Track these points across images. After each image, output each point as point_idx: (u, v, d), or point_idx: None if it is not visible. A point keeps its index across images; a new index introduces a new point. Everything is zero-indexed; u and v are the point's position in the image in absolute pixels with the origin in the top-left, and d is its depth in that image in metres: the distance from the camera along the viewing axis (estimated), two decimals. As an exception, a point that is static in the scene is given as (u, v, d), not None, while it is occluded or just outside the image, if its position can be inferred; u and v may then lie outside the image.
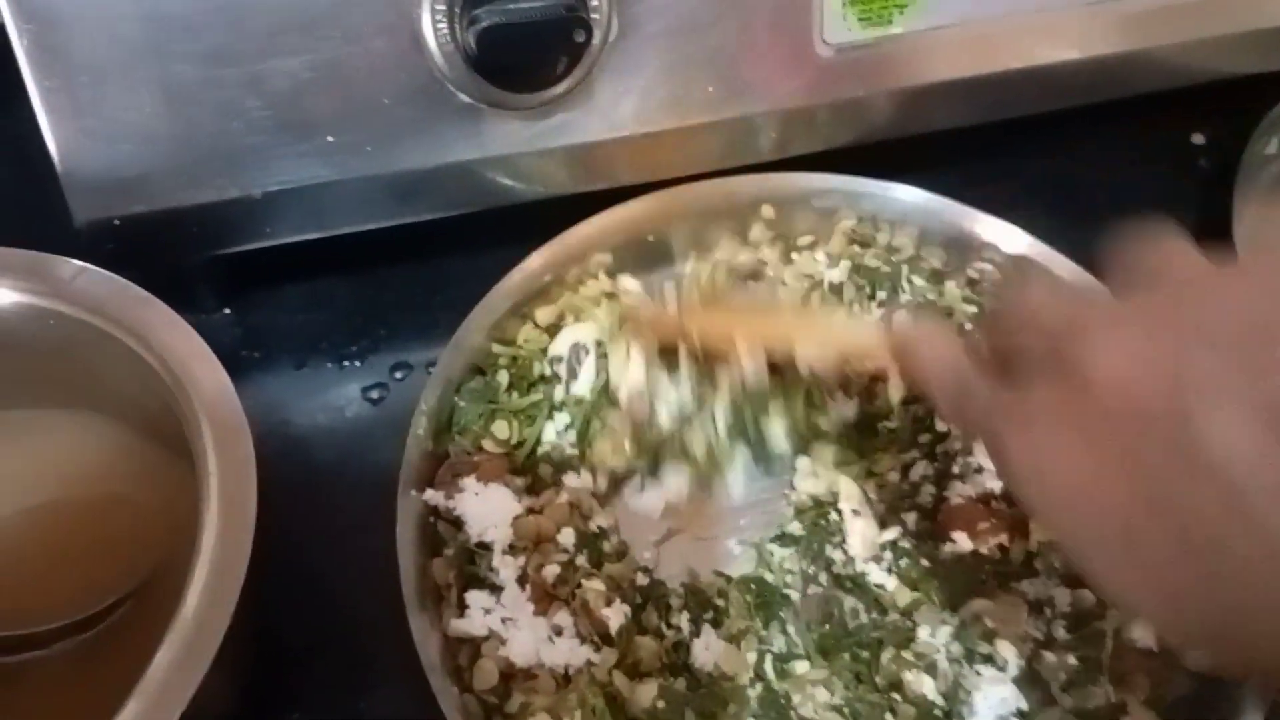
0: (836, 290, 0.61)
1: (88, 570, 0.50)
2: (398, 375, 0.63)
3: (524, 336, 0.58)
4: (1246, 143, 0.68)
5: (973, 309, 0.61)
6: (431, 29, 0.51)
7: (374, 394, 0.62)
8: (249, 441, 0.43)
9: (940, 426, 0.56)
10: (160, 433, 0.50)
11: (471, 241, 0.63)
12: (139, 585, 0.49)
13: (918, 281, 0.61)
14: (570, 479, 0.55)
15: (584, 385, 0.56)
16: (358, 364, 0.63)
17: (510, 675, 0.48)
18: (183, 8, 0.50)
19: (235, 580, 0.39)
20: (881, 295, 0.61)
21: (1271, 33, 0.66)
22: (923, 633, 0.51)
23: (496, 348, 0.57)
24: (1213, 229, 0.67)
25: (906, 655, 0.49)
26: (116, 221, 0.54)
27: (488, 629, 0.48)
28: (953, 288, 0.62)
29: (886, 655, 0.49)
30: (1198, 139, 0.75)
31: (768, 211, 0.63)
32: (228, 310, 0.65)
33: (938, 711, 0.49)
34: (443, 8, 0.50)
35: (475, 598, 0.49)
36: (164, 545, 0.49)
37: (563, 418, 0.56)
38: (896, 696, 0.49)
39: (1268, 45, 0.67)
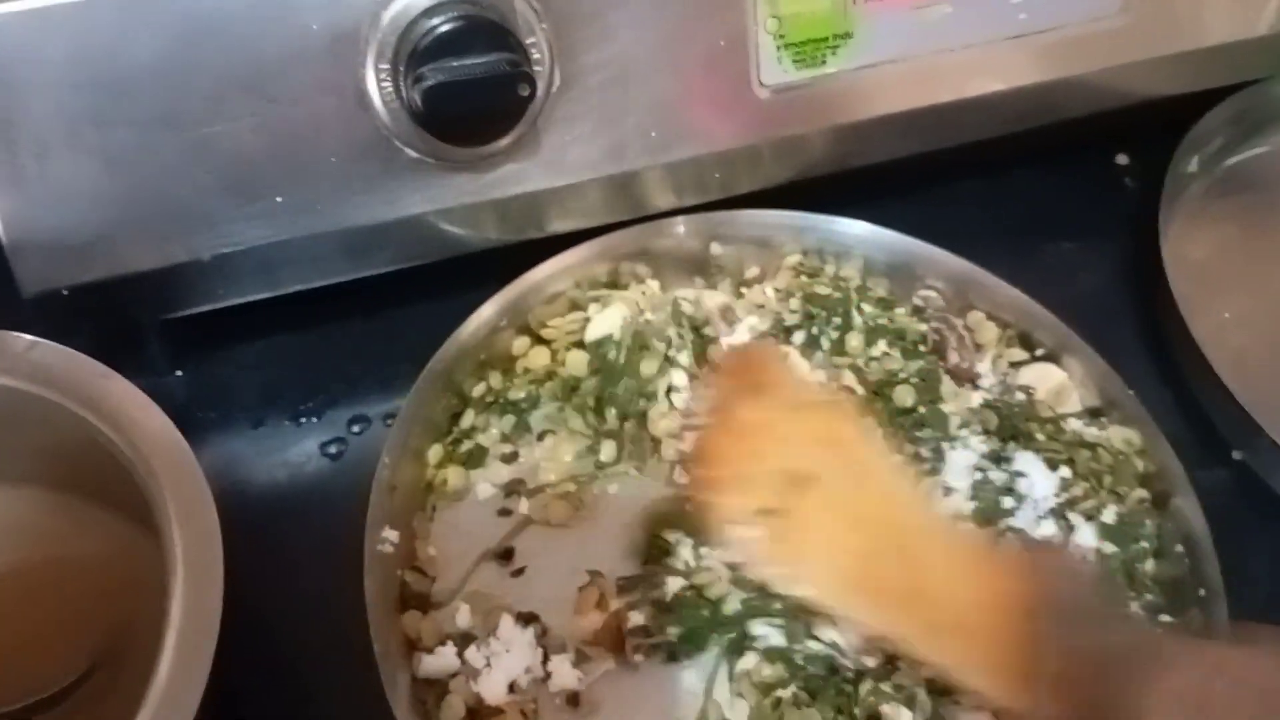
0: (790, 329, 0.62)
1: (50, 646, 0.49)
2: (355, 429, 0.63)
3: (517, 349, 0.60)
4: (1169, 162, 0.70)
5: (922, 329, 0.63)
6: (376, 87, 0.52)
7: (332, 449, 0.62)
8: (213, 512, 0.43)
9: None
10: (122, 503, 0.49)
11: (426, 291, 0.63)
12: (106, 658, 0.49)
13: (867, 309, 0.62)
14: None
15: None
16: (315, 420, 0.63)
17: (477, 712, 0.48)
18: (124, 74, 0.50)
19: (206, 650, 0.39)
20: (836, 322, 0.62)
21: (1188, 55, 0.69)
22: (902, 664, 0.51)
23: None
24: (1141, 247, 0.70)
25: (885, 688, 0.50)
26: (65, 291, 0.54)
27: (459, 664, 0.49)
28: (902, 314, 0.63)
29: (865, 688, 0.50)
30: (1122, 160, 0.78)
31: (715, 249, 0.64)
32: (180, 372, 0.65)
33: None
34: (387, 67, 0.51)
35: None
36: (131, 616, 0.48)
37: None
38: None
39: (1185, 68, 0.70)
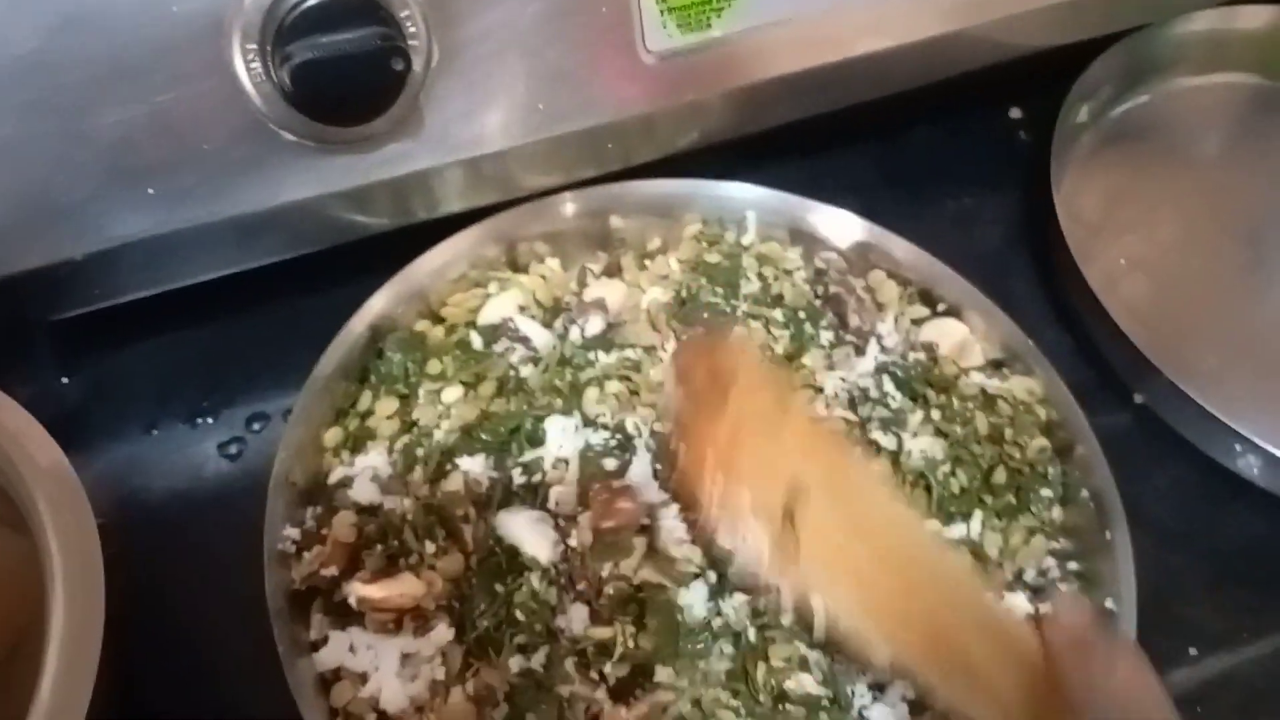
0: (688, 299, 0.61)
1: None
2: (255, 427, 0.61)
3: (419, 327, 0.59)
4: (1059, 113, 0.71)
5: (809, 294, 0.62)
6: (245, 69, 0.50)
7: (231, 449, 0.60)
8: (91, 522, 0.41)
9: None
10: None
11: (319, 281, 0.62)
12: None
13: (755, 277, 0.62)
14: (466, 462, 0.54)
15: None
16: (210, 420, 0.61)
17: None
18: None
19: (89, 663, 0.37)
20: (720, 292, 0.61)
21: (1075, 4, 0.70)
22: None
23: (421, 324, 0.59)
24: (1035, 199, 0.70)
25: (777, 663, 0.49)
26: (-71, 297, 0.51)
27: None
28: (801, 277, 0.63)
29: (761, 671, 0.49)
30: (1015, 113, 0.79)
31: (616, 222, 0.64)
32: (66, 380, 0.62)
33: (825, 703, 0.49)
34: (254, 47, 0.49)
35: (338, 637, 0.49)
36: (14, 629, 0.46)
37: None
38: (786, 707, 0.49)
39: (1073, 17, 0.70)
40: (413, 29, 0.51)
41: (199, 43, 0.49)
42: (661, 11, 0.56)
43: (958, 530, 0.55)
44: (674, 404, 0.47)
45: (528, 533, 0.52)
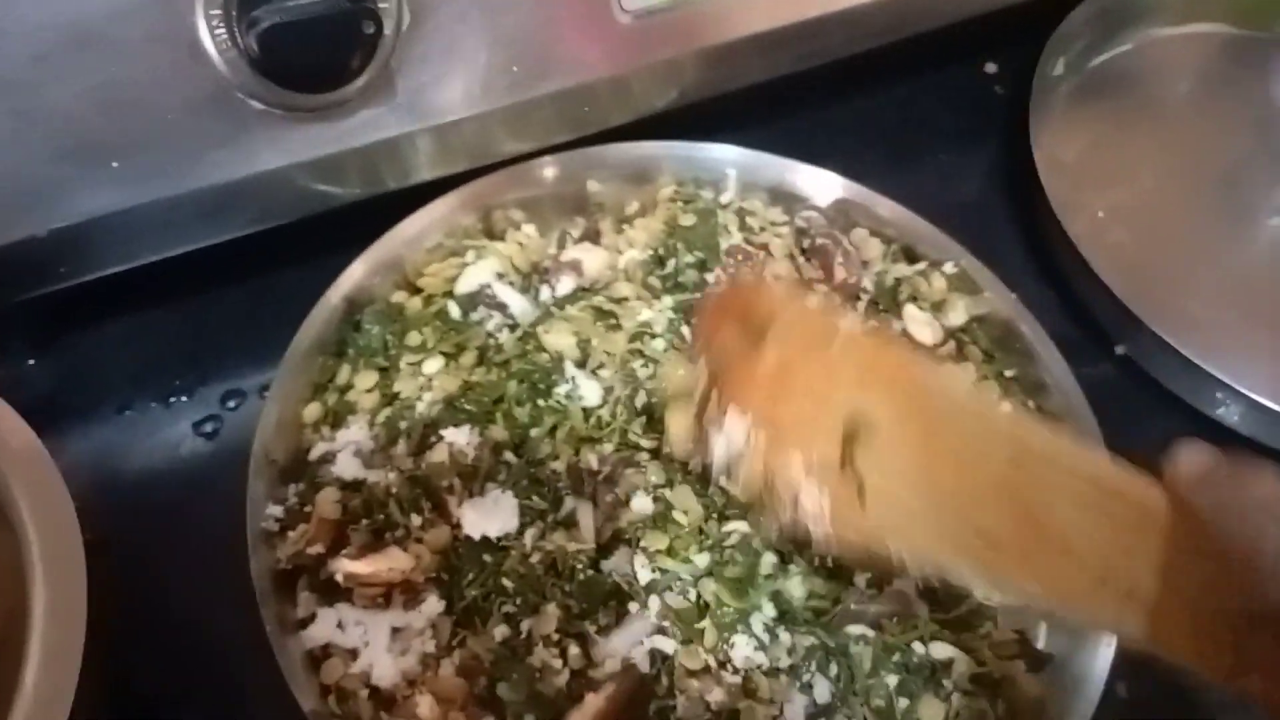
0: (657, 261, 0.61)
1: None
2: (230, 404, 0.60)
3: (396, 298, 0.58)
4: (1035, 67, 0.71)
5: (803, 253, 0.62)
6: (210, 35, 0.48)
7: (207, 428, 0.59)
8: (69, 505, 0.40)
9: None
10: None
11: (293, 254, 0.60)
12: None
13: (737, 230, 0.62)
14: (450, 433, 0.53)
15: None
16: (184, 399, 0.60)
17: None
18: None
19: (74, 649, 0.36)
20: (698, 256, 0.60)
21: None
22: None
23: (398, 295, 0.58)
24: (1014, 152, 0.70)
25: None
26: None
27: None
28: (785, 234, 0.63)
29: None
30: (990, 68, 0.79)
31: (593, 186, 0.63)
32: (32, 361, 0.61)
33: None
34: (218, 12, 0.47)
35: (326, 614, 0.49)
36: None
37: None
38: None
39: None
40: (382, -10, 0.50)
41: (159, 8, 0.48)
42: (635, -32, 0.55)
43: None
44: (702, 368, 0.41)
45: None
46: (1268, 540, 0.37)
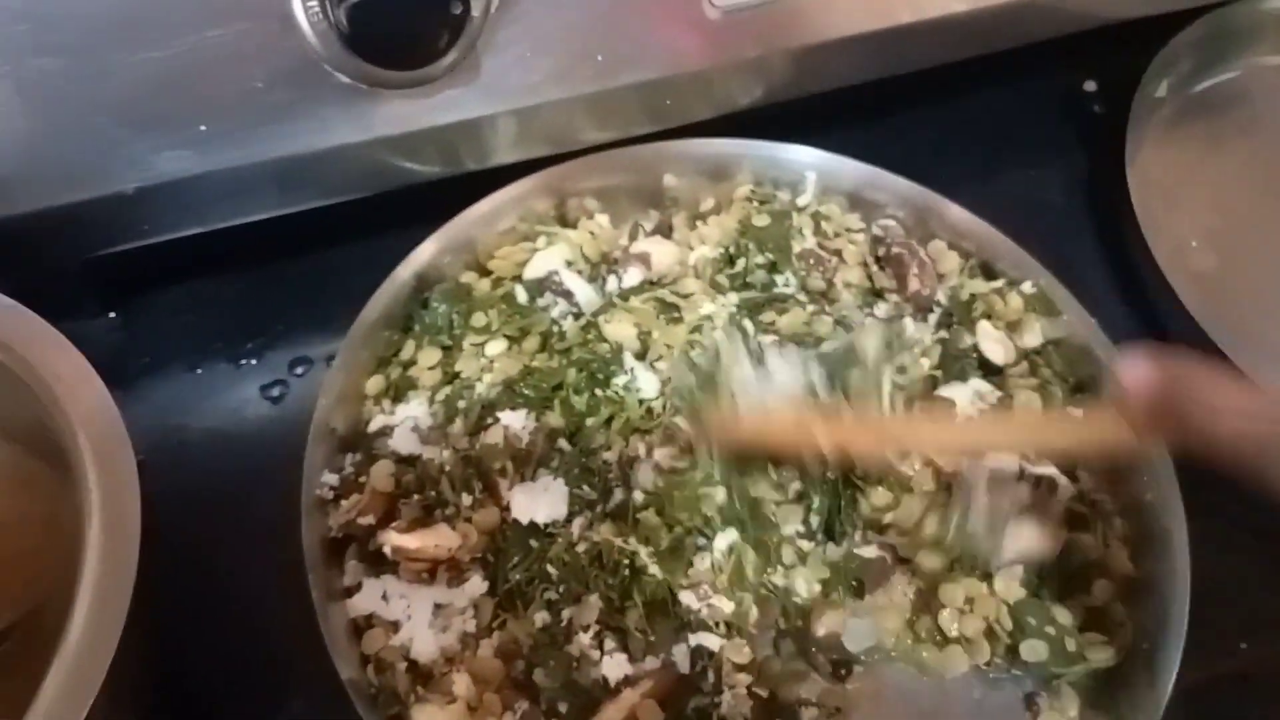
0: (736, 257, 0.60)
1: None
2: (298, 371, 0.61)
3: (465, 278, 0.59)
4: (1137, 87, 0.69)
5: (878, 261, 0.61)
6: (302, 7, 0.49)
7: (274, 392, 0.60)
8: (131, 457, 0.41)
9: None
10: (40, 448, 0.47)
11: (367, 227, 0.61)
12: (27, 611, 0.47)
13: (811, 234, 0.61)
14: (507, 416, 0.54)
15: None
16: (254, 362, 0.61)
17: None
18: (47, 3, 0.47)
19: (121, 602, 0.37)
20: (768, 257, 0.60)
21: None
22: None
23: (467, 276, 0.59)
24: (1107, 174, 0.68)
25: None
26: (-17, 227, 0.51)
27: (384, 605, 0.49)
28: (860, 241, 0.62)
29: None
30: (1090, 86, 0.76)
31: (669, 180, 0.62)
32: (113, 314, 0.62)
33: None
34: (311, -15, 0.48)
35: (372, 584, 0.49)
36: (51, 566, 0.46)
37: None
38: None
39: (1152, -12, 0.68)
40: (472, -29, 0.50)
41: (255, -21, 0.49)
42: (730, -36, 0.55)
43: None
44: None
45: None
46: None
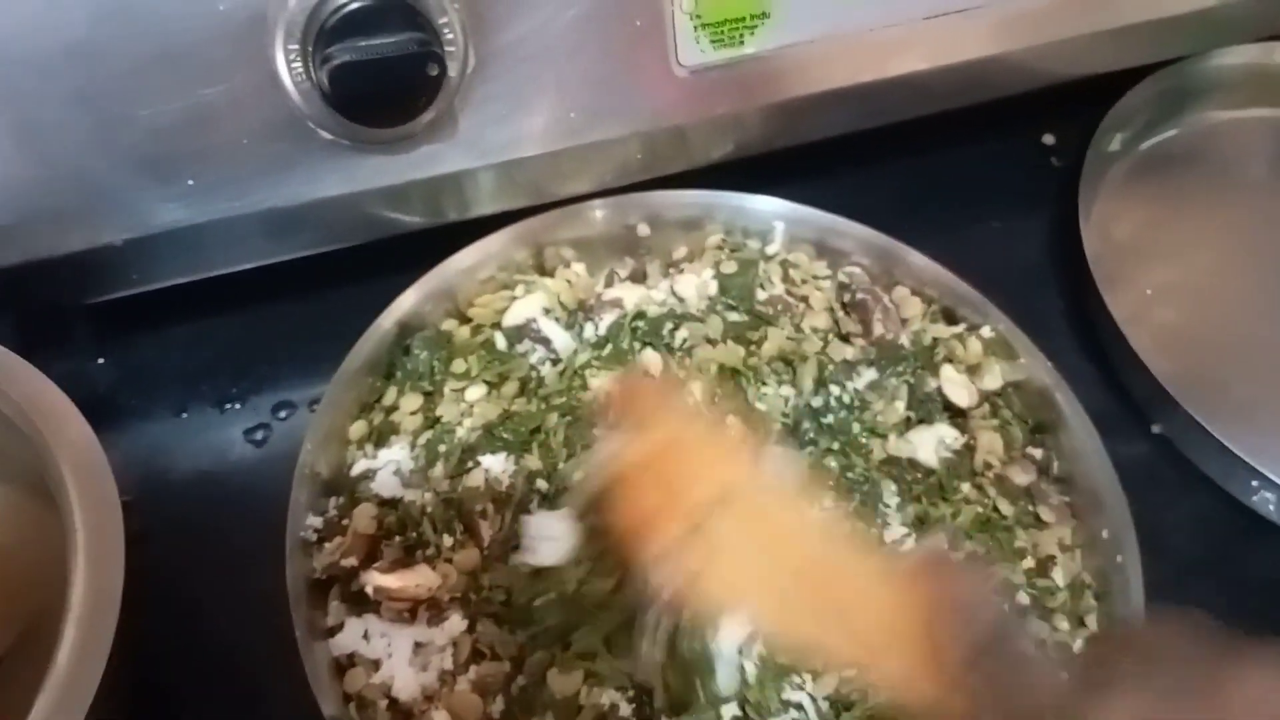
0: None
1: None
2: (280, 415, 0.63)
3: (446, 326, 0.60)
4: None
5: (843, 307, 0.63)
6: (286, 67, 0.51)
7: (257, 435, 0.62)
8: (114, 494, 0.42)
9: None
10: (29, 484, 0.49)
11: (351, 274, 0.63)
12: (14, 642, 0.48)
13: (779, 281, 0.63)
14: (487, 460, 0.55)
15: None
16: (238, 406, 0.63)
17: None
18: (35, 51, 0.49)
19: (106, 635, 0.38)
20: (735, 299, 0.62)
21: (1111, 34, 0.70)
22: None
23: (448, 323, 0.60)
24: (1063, 226, 0.70)
25: None
26: (-24, 277, 0.53)
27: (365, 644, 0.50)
28: (827, 287, 0.64)
29: None
30: (1048, 139, 0.79)
31: (644, 230, 0.65)
32: (102, 360, 0.64)
33: None
34: (295, 46, 0.50)
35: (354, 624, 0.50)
36: (39, 598, 0.47)
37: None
38: None
39: (1109, 46, 0.71)
40: (450, 35, 0.52)
41: (243, 39, 0.51)
42: (695, 28, 0.57)
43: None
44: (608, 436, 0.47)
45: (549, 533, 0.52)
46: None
